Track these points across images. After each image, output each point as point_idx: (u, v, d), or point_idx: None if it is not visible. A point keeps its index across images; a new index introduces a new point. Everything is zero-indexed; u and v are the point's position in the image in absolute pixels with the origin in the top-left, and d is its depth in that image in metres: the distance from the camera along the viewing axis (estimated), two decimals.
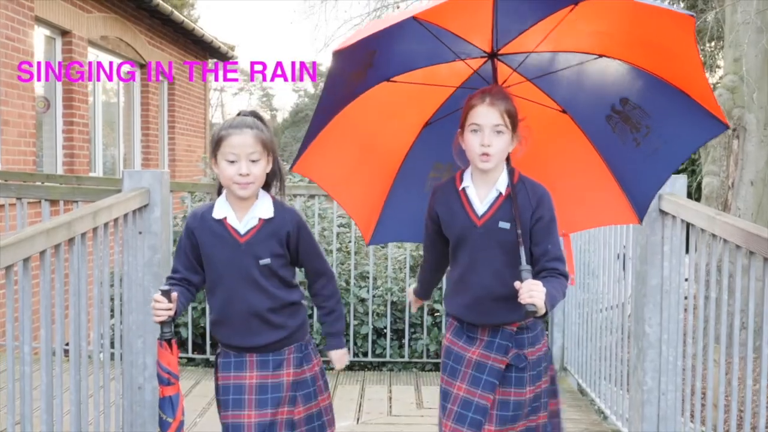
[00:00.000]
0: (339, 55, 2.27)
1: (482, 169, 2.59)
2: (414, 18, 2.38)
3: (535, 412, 2.70)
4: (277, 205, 2.66)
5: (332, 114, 2.59)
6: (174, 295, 2.54)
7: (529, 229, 2.59)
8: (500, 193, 2.61)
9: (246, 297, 2.63)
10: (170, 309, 2.52)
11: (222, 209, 2.65)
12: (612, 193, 2.88)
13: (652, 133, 2.70)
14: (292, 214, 2.68)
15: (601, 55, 2.66)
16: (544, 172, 2.78)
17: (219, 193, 2.70)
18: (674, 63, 2.52)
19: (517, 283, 2.43)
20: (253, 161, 2.56)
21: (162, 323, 2.53)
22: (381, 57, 2.56)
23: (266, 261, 2.62)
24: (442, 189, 2.72)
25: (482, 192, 2.63)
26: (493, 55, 2.69)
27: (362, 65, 2.51)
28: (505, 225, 2.57)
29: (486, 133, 2.54)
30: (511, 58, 2.72)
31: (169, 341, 2.55)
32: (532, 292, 2.38)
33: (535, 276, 2.53)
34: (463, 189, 2.65)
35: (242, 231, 2.63)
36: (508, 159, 2.64)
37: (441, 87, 2.82)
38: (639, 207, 2.88)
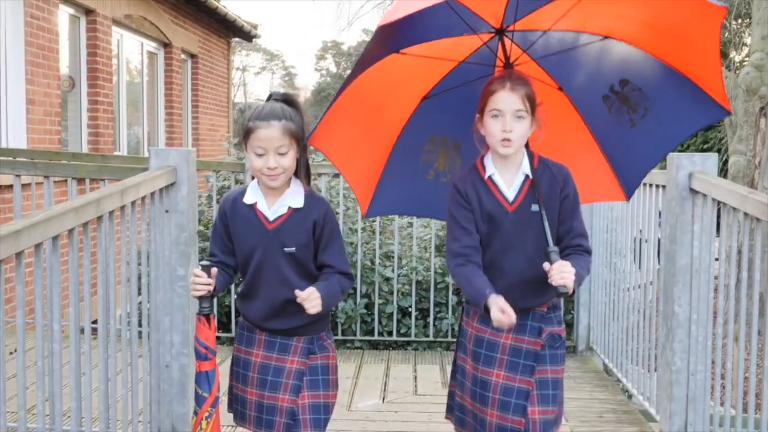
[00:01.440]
0: (382, 30, 2.27)
1: (504, 155, 2.57)
2: None
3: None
4: (308, 196, 2.65)
5: (345, 87, 2.58)
6: (214, 270, 2.56)
7: (557, 209, 2.59)
8: (527, 176, 2.60)
9: (269, 283, 2.64)
10: (209, 284, 2.54)
11: (253, 195, 2.65)
12: (601, 171, 2.94)
13: (649, 114, 2.75)
14: (321, 204, 2.67)
15: (606, 37, 2.70)
16: (536, 148, 2.77)
17: (253, 177, 2.70)
18: (685, 48, 2.54)
19: (546, 265, 2.44)
20: (281, 154, 2.55)
21: (201, 298, 2.55)
22: (399, 30, 2.53)
23: (291, 249, 2.61)
24: (466, 180, 2.65)
25: (508, 177, 2.62)
26: (500, 32, 2.67)
27: (384, 37, 2.48)
28: (537, 208, 2.57)
29: (507, 119, 2.52)
30: (519, 35, 2.70)
31: (207, 316, 2.57)
32: (563, 273, 2.40)
33: (561, 253, 2.55)
34: (490, 177, 2.62)
35: (271, 218, 2.62)
36: (527, 143, 2.63)
37: (444, 61, 2.80)
38: (628, 185, 2.94)
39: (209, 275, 2.54)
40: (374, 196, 2.99)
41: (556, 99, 2.85)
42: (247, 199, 2.66)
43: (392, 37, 2.55)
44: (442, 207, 2.85)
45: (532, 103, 2.55)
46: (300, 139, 2.59)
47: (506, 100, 2.52)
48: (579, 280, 2.48)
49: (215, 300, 5.55)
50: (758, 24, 10.63)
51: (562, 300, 2.74)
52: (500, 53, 2.71)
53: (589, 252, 2.63)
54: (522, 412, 2.58)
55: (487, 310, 2.47)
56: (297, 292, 2.51)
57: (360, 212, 5.66)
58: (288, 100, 2.63)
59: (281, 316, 2.66)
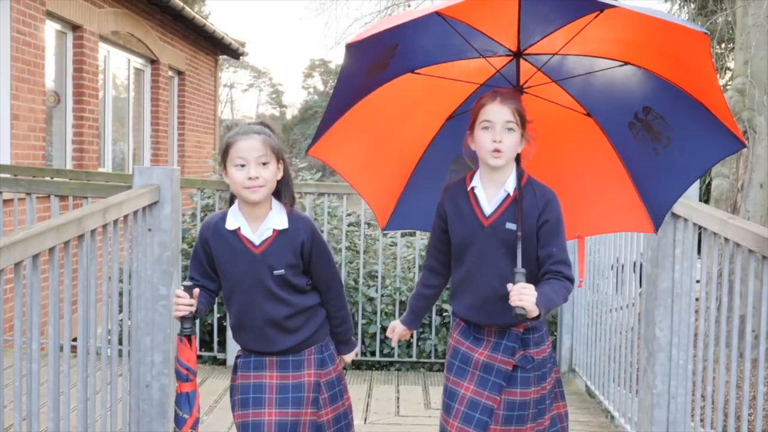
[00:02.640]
0: (352, 48, 2.29)
1: (493, 166, 2.60)
2: (438, 14, 2.41)
3: (541, 415, 2.69)
4: (291, 216, 2.64)
5: (352, 102, 2.61)
6: (196, 291, 2.54)
7: (535, 232, 2.59)
8: (508, 194, 2.62)
9: (262, 307, 2.63)
10: (191, 305, 2.52)
11: (235, 219, 2.63)
12: (630, 200, 2.86)
13: (672, 144, 2.69)
14: (306, 223, 2.66)
15: (626, 62, 2.66)
16: (566, 174, 2.80)
17: (231, 204, 2.68)
18: (694, 77, 2.52)
19: (509, 286, 2.44)
20: (263, 164, 2.54)
21: (182, 319, 2.53)
22: (405, 49, 2.58)
23: (280, 272, 2.61)
24: (452, 188, 2.74)
25: (491, 192, 2.64)
26: (518, 55, 2.69)
27: (382, 58, 2.53)
28: (512, 226, 2.58)
29: (497, 130, 2.56)
30: (536, 58, 2.72)
31: (188, 337, 2.56)
32: (521, 295, 2.39)
33: (539, 278, 2.56)
34: (472, 189, 2.66)
35: (257, 242, 2.61)
36: (518, 160, 2.65)
37: (465, 83, 2.83)
38: (655, 216, 2.86)
39: (191, 296, 2.52)
40: (395, 210, 3.03)
41: (586, 125, 2.84)
42: (230, 225, 2.62)
43: (399, 57, 2.58)
44: None
45: (522, 117, 2.59)
46: (280, 157, 2.59)
47: (496, 112, 2.56)
48: (548, 305, 2.47)
49: (197, 320, 5.52)
50: (741, 49, 10.74)
51: (544, 323, 2.73)
52: (522, 75, 2.72)
53: (569, 279, 2.59)
54: (484, 427, 2.60)
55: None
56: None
57: (344, 231, 5.67)
58: (264, 124, 2.64)
59: (281, 335, 2.64)
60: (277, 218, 2.62)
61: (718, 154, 2.69)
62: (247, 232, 2.61)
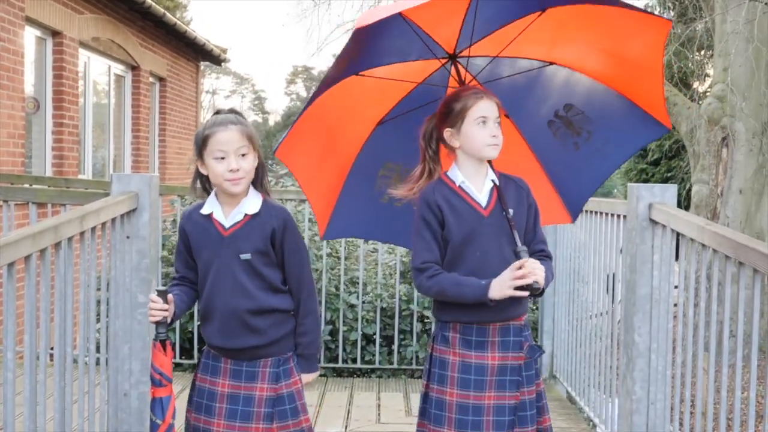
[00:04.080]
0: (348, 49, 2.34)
1: (491, 157, 2.66)
2: (400, 14, 2.43)
3: (540, 414, 2.74)
4: (266, 203, 2.65)
5: (311, 102, 2.61)
6: (170, 297, 2.54)
7: (525, 216, 2.69)
8: (495, 184, 2.68)
9: (226, 294, 2.61)
10: (165, 310, 2.52)
11: (210, 205, 2.67)
12: (546, 196, 3.00)
13: (592, 137, 2.85)
14: (280, 211, 2.65)
15: (550, 63, 2.80)
16: None
17: (206, 192, 2.71)
18: (628, 68, 2.64)
19: (518, 262, 2.50)
20: (243, 155, 2.56)
21: (157, 324, 2.53)
22: (362, 50, 2.60)
23: (247, 256, 2.59)
24: (436, 192, 2.67)
25: (477, 185, 2.68)
26: (453, 57, 2.76)
27: (349, 54, 2.53)
28: (511, 212, 2.64)
29: (491, 125, 2.63)
30: (471, 60, 2.79)
31: (163, 342, 2.55)
32: (536, 270, 2.48)
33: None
34: (460, 185, 2.68)
35: (227, 225, 2.62)
36: None
37: (398, 84, 2.86)
38: (573, 207, 3.05)
39: (165, 301, 2.52)
40: (331, 218, 3.02)
41: (503, 126, 2.86)
42: (204, 210, 2.67)
43: (354, 58, 2.59)
44: (397, 231, 2.89)
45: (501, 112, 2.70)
46: (256, 145, 2.61)
47: (489, 108, 2.63)
48: (547, 281, 2.57)
49: (178, 326, 5.50)
50: (720, 56, 10.84)
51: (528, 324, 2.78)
52: (454, 76, 2.79)
53: (550, 257, 2.74)
54: (512, 427, 2.62)
55: (492, 300, 2.52)
56: None
57: None
58: (236, 112, 2.67)
59: (243, 332, 2.61)
60: (251, 203, 2.63)
61: (639, 142, 2.89)
62: (219, 216, 2.64)
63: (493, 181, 2.68)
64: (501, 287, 2.51)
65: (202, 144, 2.58)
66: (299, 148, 2.75)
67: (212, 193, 2.68)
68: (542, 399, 2.75)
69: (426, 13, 2.49)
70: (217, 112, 2.66)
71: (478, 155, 2.66)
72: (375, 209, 3.02)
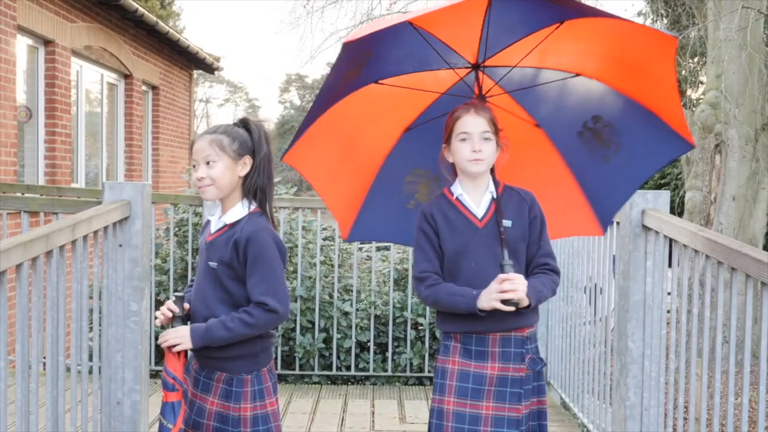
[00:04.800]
0: (347, 47, 2.31)
1: (475, 173, 2.65)
2: (410, 24, 2.46)
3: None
4: (249, 217, 2.61)
5: (324, 109, 2.64)
6: (186, 306, 2.64)
7: (528, 228, 2.68)
8: (494, 197, 2.68)
9: (196, 300, 2.67)
10: (172, 317, 2.61)
11: (213, 212, 2.77)
12: (579, 207, 2.99)
13: (621, 150, 2.83)
14: (251, 225, 2.57)
15: (578, 74, 2.78)
16: (516, 183, 2.83)
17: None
18: (648, 83, 2.62)
19: (501, 276, 2.51)
20: (208, 163, 2.58)
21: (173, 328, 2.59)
22: (375, 58, 2.63)
23: (213, 264, 2.61)
24: (433, 205, 2.72)
25: (476, 198, 2.69)
26: (477, 67, 2.76)
27: (357, 64, 2.56)
28: (507, 223, 2.64)
29: (476, 140, 2.62)
30: (494, 70, 2.79)
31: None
32: (516, 285, 2.48)
33: (529, 272, 2.66)
34: (458, 198, 2.70)
35: (212, 231, 2.69)
36: (492, 170, 2.72)
37: (424, 92, 2.87)
38: (603, 220, 3.00)
39: (182, 306, 2.61)
40: (356, 221, 3.04)
41: (535, 136, 2.94)
42: (210, 215, 2.78)
43: (369, 66, 2.62)
44: None
45: (495, 126, 2.67)
46: (241, 156, 2.61)
47: (472, 123, 2.62)
48: (538, 296, 2.57)
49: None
50: (713, 63, 10.88)
51: (535, 336, 2.76)
52: (475, 86, 2.78)
53: (555, 272, 2.69)
54: None
55: (481, 311, 2.54)
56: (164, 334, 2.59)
57: (318, 245, 5.65)
58: (245, 124, 2.68)
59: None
60: (232, 213, 2.64)
61: (666, 157, 2.81)
62: (213, 222, 2.71)
63: (491, 193, 2.68)
64: (488, 299, 2.53)
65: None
66: (313, 153, 2.78)
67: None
68: (543, 419, 2.72)
69: (440, 22, 2.51)
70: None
71: (463, 170, 2.69)
72: (401, 214, 3.04)
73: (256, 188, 2.64)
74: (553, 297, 5.25)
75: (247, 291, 2.56)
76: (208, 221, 2.75)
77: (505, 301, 2.50)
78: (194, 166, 2.62)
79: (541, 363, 2.70)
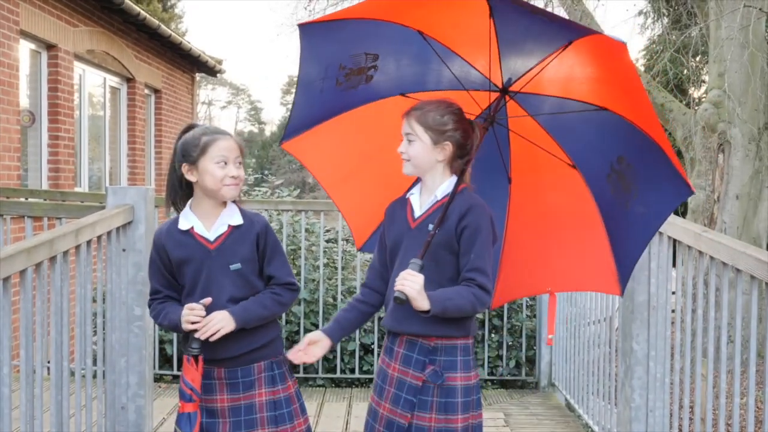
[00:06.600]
0: (306, 31, 2.34)
1: (405, 173, 2.68)
2: (419, 33, 2.45)
3: None
4: (245, 213, 2.70)
5: (336, 107, 2.63)
6: (207, 300, 2.60)
7: (455, 237, 2.58)
8: (437, 199, 2.65)
9: (218, 306, 2.59)
10: (202, 317, 2.53)
11: (187, 220, 2.64)
12: (604, 260, 2.72)
13: (639, 195, 2.53)
14: (260, 218, 2.72)
15: (602, 108, 2.51)
16: (549, 226, 2.78)
17: (176, 209, 2.70)
18: (644, 107, 2.36)
19: (402, 273, 2.49)
20: (239, 164, 2.63)
21: (191, 338, 2.54)
22: (387, 64, 2.61)
23: (237, 266, 2.61)
24: (394, 203, 2.79)
25: (424, 198, 2.70)
26: (504, 91, 2.67)
27: (360, 65, 2.55)
28: (431, 227, 2.58)
29: (402, 142, 2.65)
30: (521, 96, 2.67)
31: (195, 357, 2.54)
32: (404, 280, 2.45)
33: (455, 284, 2.58)
34: (408, 197, 2.73)
35: (212, 238, 2.62)
36: (463, 173, 2.65)
37: None
38: (623, 276, 2.72)
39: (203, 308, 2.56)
40: (375, 232, 2.98)
41: (570, 176, 2.74)
42: (182, 226, 2.64)
43: (381, 72, 2.62)
44: None
45: (428, 127, 2.59)
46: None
47: (402, 126, 2.64)
48: (444, 304, 2.48)
49: (174, 341, 5.47)
50: (715, 62, 10.87)
51: (456, 350, 2.62)
52: (508, 110, 2.71)
53: (481, 287, 2.54)
54: None
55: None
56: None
57: (321, 247, 5.65)
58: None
59: (236, 339, 2.60)
60: (232, 215, 2.66)
61: (673, 203, 2.51)
62: (200, 230, 2.63)
63: (436, 196, 2.65)
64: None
65: (201, 150, 2.59)
66: (322, 149, 2.79)
67: (187, 208, 2.66)
68: None
69: (448, 31, 2.48)
70: (191, 126, 2.70)
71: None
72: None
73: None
74: (559, 298, 5.26)
75: (262, 283, 2.67)
76: (175, 230, 2.63)
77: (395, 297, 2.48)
78: (224, 163, 2.58)
79: (440, 378, 2.56)
